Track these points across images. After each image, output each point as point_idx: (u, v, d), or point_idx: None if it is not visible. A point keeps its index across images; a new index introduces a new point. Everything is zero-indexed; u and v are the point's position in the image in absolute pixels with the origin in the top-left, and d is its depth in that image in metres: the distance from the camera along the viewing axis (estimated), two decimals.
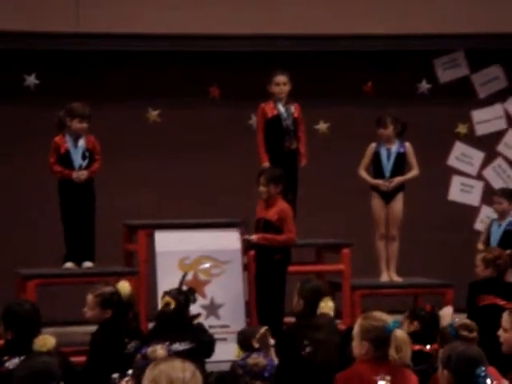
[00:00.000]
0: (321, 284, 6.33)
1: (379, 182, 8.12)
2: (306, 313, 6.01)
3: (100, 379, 5.88)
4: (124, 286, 6.26)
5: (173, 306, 6.31)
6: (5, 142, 9.44)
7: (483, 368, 4.19)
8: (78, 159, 7.74)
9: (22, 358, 5.15)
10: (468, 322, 5.47)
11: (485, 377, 4.21)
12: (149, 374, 3.13)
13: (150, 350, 4.85)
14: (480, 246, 8.40)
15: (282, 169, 7.72)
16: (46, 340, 5.02)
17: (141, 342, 6.12)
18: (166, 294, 6.45)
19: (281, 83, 8.08)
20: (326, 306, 5.79)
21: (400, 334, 4.37)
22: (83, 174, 7.69)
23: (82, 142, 7.78)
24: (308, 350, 5.27)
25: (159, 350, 4.88)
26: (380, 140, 8.21)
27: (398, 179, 8.11)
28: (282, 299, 7.38)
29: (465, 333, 5.28)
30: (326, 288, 6.23)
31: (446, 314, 5.75)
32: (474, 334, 5.31)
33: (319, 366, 4.83)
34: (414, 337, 6.09)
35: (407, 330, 6.44)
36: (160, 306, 6.40)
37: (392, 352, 4.32)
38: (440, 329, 5.60)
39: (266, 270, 7.56)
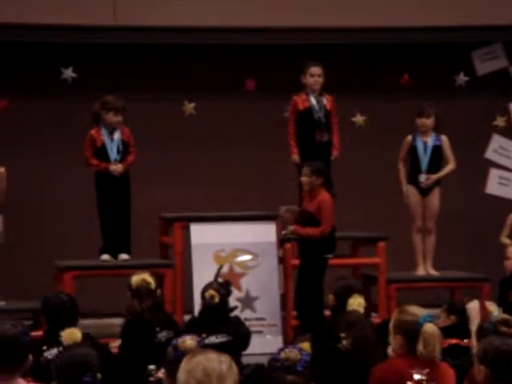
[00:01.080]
0: (352, 281, 6.30)
1: (404, 185, 8.07)
2: (337, 308, 6.02)
3: (134, 369, 5.93)
4: (137, 279, 6.30)
5: (217, 299, 6.36)
6: (43, 135, 9.51)
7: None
8: (113, 153, 7.79)
9: (60, 348, 5.21)
10: (506, 316, 5.41)
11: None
12: (184, 366, 3.12)
13: (179, 340, 4.87)
14: (504, 239, 8.31)
15: (323, 163, 7.66)
16: (72, 333, 5.08)
17: (174, 331, 6.17)
18: (209, 287, 6.48)
19: (316, 74, 8.06)
20: (355, 302, 5.79)
21: (428, 328, 4.33)
22: (119, 167, 7.72)
23: (117, 135, 7.82)
24: (345, 342, 5.26)
25: (188, 340, 4.89)
26: (416, 133, 8.15)
27: (434, 177, 8.04)
28: (319, 291, 7.35)
29: (504, 328, 5.22)
30: (358, 285, 6.20)
31: (473, 309, 5.69)
32: None
33: (353, 360, 4.82)
34: (451, 331, 6.07)
35: (444, 323, 6.42)
36: (205, 298, 6.41)
37: (419, 346, 4.31)
38: (478, 324, 5.55)
39: (306, 262, 7.54)
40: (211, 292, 6.40)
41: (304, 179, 7.54)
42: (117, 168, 7.72)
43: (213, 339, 6.24)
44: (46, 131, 9.52)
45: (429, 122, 8.08)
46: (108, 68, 9.47)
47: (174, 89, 9.52)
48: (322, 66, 8.09)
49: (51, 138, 9.51)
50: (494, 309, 5.59)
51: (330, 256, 7.53)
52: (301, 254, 7.61)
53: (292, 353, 4.27)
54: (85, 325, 6.24)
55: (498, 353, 4.15)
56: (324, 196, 7.50)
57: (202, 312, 6.48)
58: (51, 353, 5.36)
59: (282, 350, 4.33)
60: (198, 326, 6.30)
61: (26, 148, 9.47)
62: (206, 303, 6.39)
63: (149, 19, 9.18)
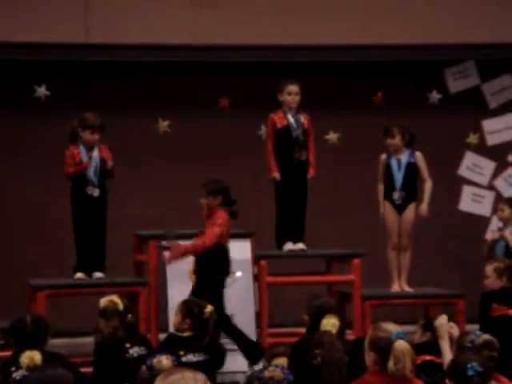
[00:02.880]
0: (326, 301, 6.27)
1: (381, 207, 8.11)
2: (311, 328, 6.02)
3: None
4: (105, 300, 6.35)
5: (215, 316, 6.38)
6: (16, 153, 9.46)
7: (475, 363, 4.23)
8: (90, 171, 7.72)
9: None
10: (489, 339, 5.37)
11: (473, 368, 4.25)
12: None
13: (155, 360, 4.83)
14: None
15: (222, 181, 7.53)
16: (31, 355, 5.06)
17: (146, 348, 6.16)
18: (202, 303, 6.46)
19: (293, 93, 8.07)
20: (328, 323, 5.78)
21: (399, 345, 4.32)
22: (95, 192, 7.66)
23: (95, 153, 7.77)
24: (319, 359, 5.25)
25: (164, 360, 4.86)
26: (389, 150, 8.19)
27: (425, 206, 8.08)
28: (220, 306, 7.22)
29: (486, 351, 5.22)
30: (331, 305, 6.18)
31: (440, 324, 5.69)
32: (495, 354, 5.24)
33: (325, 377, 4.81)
34: (427, 347, 6.07)
35: (420, 339, 6.41)
36: (203, 314, 6.40)
37: (390, 363, 4.29)
38: (456, 342, 5.54)
39: (201, 281, 7.41)
40: (211, 307, 6.39)
41: (202, 201, 7.45)
42: (93, 192, 7.64)
43: (190, 357, 6.22)
44: (19, 149, 9.47)
45: (394, 141, 8.11)
46: (81, 86, 9.45)
47: (148, 106, 9.52)
48: (298, 84, 8.11)
49: (24, 155, 9.46)
50: (455, 331, 5.60)
51: (225, 277, 7.39)
52: (196, 274, 7.48)
53: (276, 372, 4.25)
54: (58, 344, 6.19)
55: (461, 366, 4.22)
56: (219, 214, 7.41)
57: (199, 330, 6.42)
58: (19, 373, 5.31)
59: (264, 368, 4.30)
60: (175, 344, 6.28)
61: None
62: (208, 320, 6.35)
63: (122, 37, 9.18)
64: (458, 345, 5.38)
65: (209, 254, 7.29)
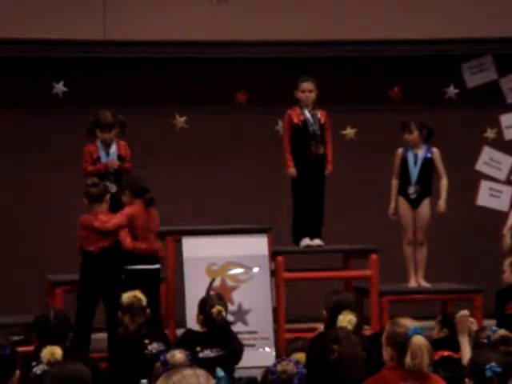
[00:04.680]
0: (344, 297, 6.27)
1: (393, 202, 8.09)
2: (329, 322, 6.03)
3: (125, 383, 5.93)
4: (128, 295, 6.36)
5: (224, 313, 6.40)
6: (34, 149, 9.51)
7: (493, 363, 4.22)
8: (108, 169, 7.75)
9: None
10: (504, 333, 5.37)
11: (492, 369, 4.24)
12: None
13: (169, 355, 4.86)
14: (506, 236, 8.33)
15: (138, 176, 7.54)
16: (52, 351, 5.10)
17: (164, 344, 6.18)
18: (213, 302, 6.49)
19: (306, 90, 8.06)
20: (344, 319, 5.79)
21: (416, 340, 4.32)
22: (115, 163, 7.68)
23: (113, 149, 7.80)
24: (336, 354, 5.25)
25: (178, 354, 4.88)
26: (406, 145, 8.18)
27: (442, 203, 8.05)
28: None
29: (502, 347, 5.21)
30: (349, 300, 6.18)
31: (461, 319, 5.68)
32: (511, 349, 5.24)
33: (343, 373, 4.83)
34: (445, 343, 6.06)
35: (438, 335, 6.41)
36: (212, 314, 6.42)
37: (407, 359, 4.30)
38: (474, 338, 5.53)
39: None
40: (219, 307, 6.43)
41: (123, 200, 7.42)
42: (113, 163, 7.67)
43: (207, 353, 6.25)
44: (36, 146, 9.51)
45: (412, 137, 8.10)
46: (99, 82, 9.48)
47: (165, 102, 9.54)
48: (313, 81, 8.09)
49: (42, 151, 9.51)
50: (474, 326, 5.58)
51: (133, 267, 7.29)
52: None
53: (289, 366, 4.27)
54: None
55: (479, 366, 4.21)
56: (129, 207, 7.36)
57: (210, 325, 6.45)
58: (40, 368, 5.36)
59: (278, 362, 4.32)
60: (192, 340, 6.31)
61: (17, 161, 9.46)
62: (215, 319, 6.39)
63: (139, 33, 9.20)
64: (475, 341, 5.38)
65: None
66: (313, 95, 8.06)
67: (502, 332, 5.33)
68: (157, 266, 7.39)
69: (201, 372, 3.11)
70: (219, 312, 6.40)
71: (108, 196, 7.40)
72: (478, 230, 9.88)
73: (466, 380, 4.55)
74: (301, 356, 4.90)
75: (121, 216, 7.31)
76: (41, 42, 9.09)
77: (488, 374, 4.41)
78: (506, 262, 7.35)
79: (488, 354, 4.61)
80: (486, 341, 5.26)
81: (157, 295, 7.28)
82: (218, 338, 6.37)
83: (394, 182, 8.18)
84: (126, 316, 6.30)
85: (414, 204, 8.12)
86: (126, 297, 6.37)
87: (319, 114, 8.11)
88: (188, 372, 3.10)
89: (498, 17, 9.55)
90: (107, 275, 7.14)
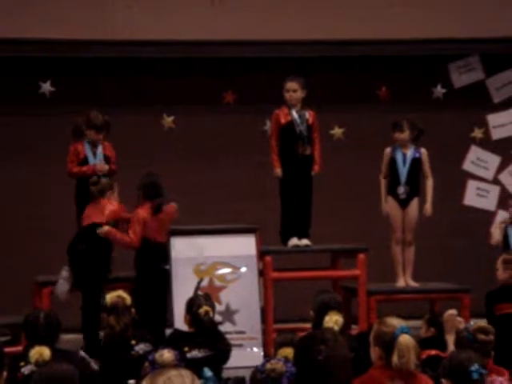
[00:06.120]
0: (331, 297, 6.27)
1: (383, 200, 8.11)
2: (317, 323, 6.04)
3: (113, 383, 5.92)
4: (112, 296, 6.38)
5: (211, 314, 6.40)
6: (21, 149, 9.48)
7: (477, 365, 4.22)
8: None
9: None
10: (484, 324, 5.42)
11: (477, 371, 4.24)
12: None
13: (157, 354, 4.85)
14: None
15: (148, 176, 7.68)
16: (40, 351, 5.08)
17: (151, 344, 6.18)
18: (200, 302, 6.49)
19: (290, 90, 8.05)
20: (331, 320, 5.80)
21: (403, 339, 4.33)
22: (105, 167, 7.69)
23: (99, 150, 7.80)
24: (323, 355, 5.26)
25: (166, 353, 4.88)
26: (395, 145, 8.19)
27: (428, 206, 8.08)
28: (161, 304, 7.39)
29: (482, 336, 5.24)
30: (336, 301, 6.18)
31: (448, 318, 5.69)
32: (491, 337, 5.27)
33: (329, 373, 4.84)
34: (432, 342, 6.08)
35: (426, 334, 6.42)
36: (199, 315, 6.43)
37: (394, 358, 4.30)
38: (456, 334, 5.55)
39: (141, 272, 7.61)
40: (206, 308, 6.42)
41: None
42: (103, 167, 7.68)
43: (195, 353, 6.25)
44: (25, 144, 9.49)
45: (403, 136, 8.11)
46: (86, 82, 9.46)
47: (152, 102, 9.53)
48: (298, 80, 8.07)
49: (29, 151, 9.48)
50: (461, 326, 5.59)
51: (167, 267, 7.53)
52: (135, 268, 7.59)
53: (278, 364, 4.26)
54: (64, 340, 6.21)
55: (455, 363, 4.21)
56: (137, 209, 7.54)
57: (196, 326, 6.45)
58: (28, 368, 5.35)
59: (267, 361, 4.32)
60: (179, 340, 6.30)
61: (3, 162, 9.43)
62: (202, 319, 6.39)
63: (126, 33, 9.18)
64: (456, 337, 5.40)
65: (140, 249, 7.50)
66: (297, 95, 8.05)
67: (481, 323, 5.36)
68: (167, 266, 7.58)
69: (186, 373, 3.11)
70: (206, 312, 6.40)
71: (113, 187, 7.58)
72: (466, 229, 9.90)
73: (443, 381, 4.53)
74: (288, 351, 4.89)
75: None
76: (28, 42, 9.06)
77: (475, 376, 4.40)
78: (499, 260, 7.37)
79: (469, 353, 4.60)
80: (465, 333, 5.27)
81: (165, 296, 7.45)
82: (206, 338, 6.37)
83: (383, 181, 8.19)
84: (111, 317, 6.28)
85: (403, 204, 8.14)
86: (110, 297, 6.35)
87: (307, 114, 8.10)
88: (173, 373, 3.10)
89: (485, 17, 9.58)
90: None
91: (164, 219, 7.59)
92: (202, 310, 6.40)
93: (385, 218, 8.22)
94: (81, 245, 7.52)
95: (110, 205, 7.60)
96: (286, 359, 4.40)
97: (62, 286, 7.48)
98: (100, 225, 7.50)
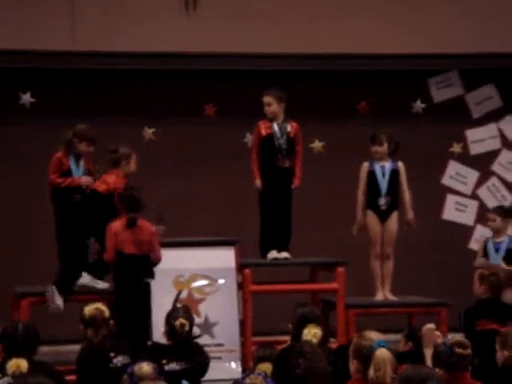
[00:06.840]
0: (309, 310, 6.27)
1: (358, 217, 8.12)
2: (294, 337, 6.05)
3: None
4: (90, 308, 6.35)
5: (187, 327, 6.38)
6: (0, 160, 9.44)
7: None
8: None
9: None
10: (461, 338, 5.45)
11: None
12: None
13: (136, 367, 4.83)
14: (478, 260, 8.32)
15: (136, 193, 7.66)
16: (18, 363, 5.06)
17: (130, 357, 6.16)
18: (177, 314, 6.48)
19: (266, 104, 8.09)
20: (309, 333, 5.81)
21: (380, 353, 4.35)
22: (90, 181, 7.68)
23: (82, 162, 7.80)
24: (302, 368, 5.27)
25: (145, 366, 4.86)
26: (373, 158, 8.21)
27: (411, 217, 8.09)
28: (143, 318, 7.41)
29: (459, 350, 5.26)
30: (314, 314, 6.19)
31: (426, 333, 5.71)
32: (469, 351, 5.30)
33: None
34: (409, 356, 6.09)
35: (404, 348, 6.43)
36: (174, 327, 6.42)
37: (370, 371, 4.32)
38: (433, 349, 5.57)
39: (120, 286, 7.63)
40: (182, 321, 6.41)
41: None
42: (88, 181, 7.66)
43: (173, 366, 6.23)
44: (3, 156, 9.45)
45: (381, 149, 8.14)
46: (67, 93, 9.45)
47: (133, 114, 9.52)
48: (273, 94, 8.07)
49: (9, 163, 9.45)
50: (440, 340, 5.61)
51: (148, 280, 7.51)
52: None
53: (257, 379, 4.26)
54: (42, 352, 6.18)
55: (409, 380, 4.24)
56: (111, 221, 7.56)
57: (172, 339, 6.44)
58: (5, 380, 5.32)
59: (246, 375, 4.31)
60: (157, 353, 6.29)
61: None
62: (177, 331, 6.38)
63: (108, 45, 9.19)
64: (434, 351, 5.41)
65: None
66: (272, 108, 8.06)
67: (458, 337, 5.39)
68: (149, 279, 7.59)
69: None
70: (182, 325, 6.38)
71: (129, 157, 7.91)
72: (444, 243, 9.95)
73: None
74: (267, 366, 4.89)
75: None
76: (7, 53, 9.04)
77: None
78: (475, 275, 7.41)
79: (423, 369, 4.59)
80: (443, 347, 5.29)
81: (147, 309, 7.43)
82: (183, 351, 6.36)
83: (360, 198, 8.17)
84: (89, 329, 6.26)
85: (383, 217, 8.15)
86: (88, 310, 6.33)
87: (289, 127, 8.12)
88: None
89: (464, 32, 9.66)
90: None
91: (139, 233, 7.53)
92: (177, 323, 6.39)
93: (365, 231, 8.23)
94: (76, 196, 7.60)
95: (109, 177, 7.71)
96: (266, 374, 4.41)
97: (55, 300, 7.46)
98: (98, 192, 7.61)
